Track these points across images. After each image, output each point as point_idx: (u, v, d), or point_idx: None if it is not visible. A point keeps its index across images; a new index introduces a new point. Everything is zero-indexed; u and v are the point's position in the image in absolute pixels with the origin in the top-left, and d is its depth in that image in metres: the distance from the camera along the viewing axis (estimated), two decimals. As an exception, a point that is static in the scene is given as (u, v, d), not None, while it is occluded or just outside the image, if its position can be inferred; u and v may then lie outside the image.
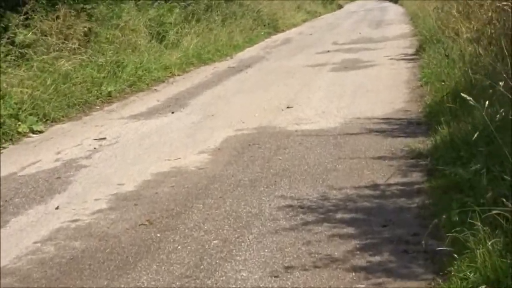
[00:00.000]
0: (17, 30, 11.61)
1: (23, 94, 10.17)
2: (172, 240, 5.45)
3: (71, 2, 13.01)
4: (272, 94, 11.84)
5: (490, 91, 5.16)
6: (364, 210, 5.90)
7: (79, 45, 12.55)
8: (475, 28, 9.26)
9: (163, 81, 13.91)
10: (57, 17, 12.49)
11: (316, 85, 12.55)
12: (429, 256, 4.77)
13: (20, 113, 9.74)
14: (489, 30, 8.51)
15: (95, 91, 11.80)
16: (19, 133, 9.37)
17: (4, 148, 8.78)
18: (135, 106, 11.36)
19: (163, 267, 4.94)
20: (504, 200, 4.23)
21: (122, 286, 4.71)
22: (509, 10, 7.78)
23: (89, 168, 7.72)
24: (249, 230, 5.57)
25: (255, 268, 4.83)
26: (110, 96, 12.05)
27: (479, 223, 4.26)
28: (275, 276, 4.68)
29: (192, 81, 13.80)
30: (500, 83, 4.17)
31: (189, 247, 5.27)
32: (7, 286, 4.79)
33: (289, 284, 4.58)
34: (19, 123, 9.53)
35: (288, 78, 13.51)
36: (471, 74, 7.67)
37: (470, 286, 4.08)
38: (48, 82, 10.82)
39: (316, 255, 4.99)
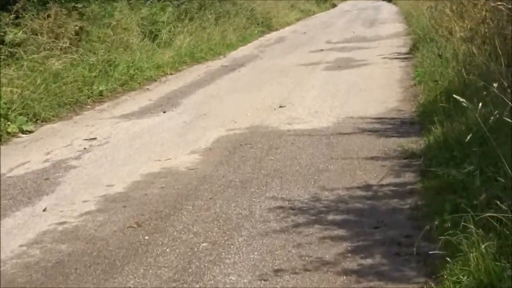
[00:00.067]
0: (7, 29, 11.51)
1: (13, 93, 10.07)
2: (160, 243, 5.35)
3: (62, 1, 12.90)
4: (265, 93, 11.75)
5: (484, 93, 5.07)
6: (356, 211, 5.81)
7: (70, 44, 12.46)
8: (468, 27, 9.19)
9: (155, 80, 13.82)
10: (48, 16, 12.39)
11: (309, 84, 12.46)
12: (421, 258, 4.67)
13: (9, 113, 9.64)
14: (482, 29, 8.45)
15: (86, 91, 11.70)
16: (8, 133, 9.26)
17: (-7, 148, 8.68)
18: (127, 106, 11.26)
19: (150, 271, 4.84)
20: (498, 202, 4.15)
21: (109, 290, 4.63)
22: (503, 9, 7.71)
23: (78, 169, 7.63)
24: (239, 232, 5.48)
25: (244, 272, 4.74)
26: (102, 96, 11.95)
27: (472, 226, 4.17)
28: (264, 280, 4.59)
29: (184, 80, 13.71)
30: (494, 84, 4.08)
31: (177, 250, 5.18)
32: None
33: (279, 288, 4.51)
34: (9, 123, 9.43)
35: (281, 77, 13.43)
36: (464, 73, 7.60)
37: (463, 290, 4.01)
38: (38, 82, 10.71)
39: (307, 258, 4.90)
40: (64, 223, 5.92)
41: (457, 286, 4.07)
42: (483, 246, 4.01)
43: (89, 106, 11.33)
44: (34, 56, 11.39)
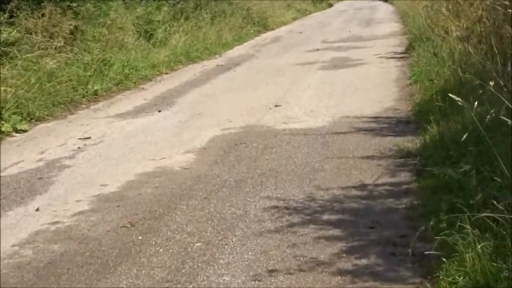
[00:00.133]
0: (1, 28, 11.44)
1: (7, 93, 10.01)
2: (154, 243, 5.30)
3: (57, 0, 12.83)
4: (261, 92, 11.71)
5: (480, 91, 5.04)
6: (351, 211, 5.76)
7: (65, 43, 12.40)
8: (464, 27, 9.14)
9: (151, 80, 13.77)
10: (43, 15, 12.33)
11: (305, 84, 12.42)
12: (417, 259, 4.62)
13: (3, 112, 9.58)
14: (479, 29, 8.39)
15: (81, 90, 11.65)
16: (2, 132, 9.21)
17: (-14, 148, 8.62)
18: (122, 105, 11.21)
19: (143, 271, 4.79)
20: (494, 202, 4.11)
21: (101, 290, 4.58)
22: (499, 8, 7.67)
23: (72, 168, 7.57)
24: (233, 232, 5.43)
25: (238, 272, 4.69)
26: (97, 95, 11.90)
27: (468, 226, 4.13)
28: (258, 280, 4.54)
29: (180, 80, 13.66)
30: (490, 82, 4.03)
31: (171, 250, 5.13)
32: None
33: (273, 288, 4.46)
34: (3, 122, 9.38)
35: (277, 77, 13.38)
36: (460, 72, 7.55)
37: (459, 290, 3.97)
38: (33, 81, 10.65)
39: (301, 258, 4.85)
40: (57, 223, 5.87)
41: (453, 286, 4.02)
42: (479, 247, 3.97)
43: (84, 106, 11.28)
44: (28, 55, 11.33)
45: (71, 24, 12.77)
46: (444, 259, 4.23)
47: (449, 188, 5.56)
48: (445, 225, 4.31)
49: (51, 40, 12.12)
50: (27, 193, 6.75)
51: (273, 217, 5.70)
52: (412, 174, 6.60)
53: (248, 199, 6.22)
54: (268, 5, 27.62)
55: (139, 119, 9.99)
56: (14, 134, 9.33)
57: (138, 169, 7.39)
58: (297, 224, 5.49)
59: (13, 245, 5.40)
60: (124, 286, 4.60)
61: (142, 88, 12.91)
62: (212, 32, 19.32)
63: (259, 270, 4.70)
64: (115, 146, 8.46)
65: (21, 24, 11.89)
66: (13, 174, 7.40)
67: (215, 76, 13.96)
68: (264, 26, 24.90)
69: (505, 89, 5.10)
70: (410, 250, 4.39)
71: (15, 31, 11.61)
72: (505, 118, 3.82)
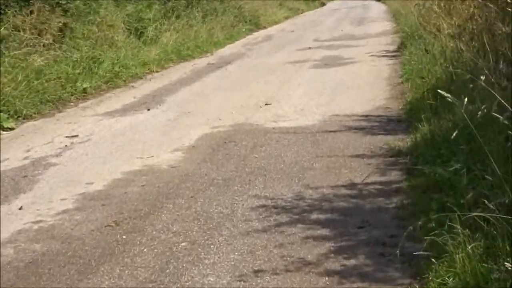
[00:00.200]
0: (-12, 25, 11.33)
1: (-7, 90, 9.89)
2: (138, 242, 5.19)
3: (46, -3, 12.72)
4: (252, 91, 11.60)
5: (471, 85, 4.94)
6: (340, 210, 5.66)
7: (53, 40, 12.28)
8: (456, 24, 9.06)
9: (141, 78, 13.65)
10: (31, 12, 12.20)
11: (296, 82, 12.32)
12: (406, 259, 4.52)
13: (-10, 110, 9.46)
14: (470, 26, 8.31)
15: (70, 88, 11.53)
16: (-12, 130, 9.10)
17: (-28, 145, 8.50)
18: (111, 103, 11.09)
19: (126, 271, 4.68)
20: (485, 201, 4.00)
21: (83, 291, 4.47)
22: (491, 5, 7.59)
23: (58, 167, 7.46)
24: (219, 231, 5.32)
25: (224, 272, 4.59)
26: (86, 93, 11.78)
27: (458, 226, 4.02)
28: (244, 281, 4.43)
29: (170, 78, 13.55)
30: (482, 77, 3.93)
31: (155, 250, 5.02)
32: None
33: (258, 289, 4.36)
34: (-11, 120, 9.26)
35: (268, 75, 13.27)
36: (452, 69, 7.47)
37: (448, 291, 3.86)
38: (20, 78, 10.53)
39: (288, 259, 4.74)
40: (40, 221, 5.76)
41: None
42: (469, 247, 3.87)
43: (72, 103, 11.15)
44: (16, 52, 11.20)
45: (60, 22, 12.65)
46: (433, 260, 4.13)
47: (440, 187, 5.48)
48: (434, 225, 4.19)
49: (39, 38, 11.98)
50: (11, 191, 6.64)
51: (261, 217, 5.59)
52: (403, 173, 6.51)
53: (236, 198, 6.12)
54: (260, 3, 27.51)
55: (127, 117, 9.88)
56: (0, 132, 9.20)
57: (125, 167, 7.28)
58: (285, 224, 5.39)
59: (-6, 245, 5.29)
60: (106, 286, 4.49)
61: (132, 86, 12.79)
62: (204, 30, 19.20)
63: (245, 271, 4.59)
64: (103, 144, 8.34)
65: (9, 21, 11.78)
66: (-3, 172, 7.29)
67: (206, 75, 13.85)
68: (256, 24, 24.78)
69: (496, 85, 5.02)
70: (398, 250, 4.28)
71: (2, 28, 11.48)
72: (496, 115, 3.72)
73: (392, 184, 6.25)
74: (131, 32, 15.59)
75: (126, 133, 8.88)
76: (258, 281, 4.44)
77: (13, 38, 11.55)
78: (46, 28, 12.29)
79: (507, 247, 3.74)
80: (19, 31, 11.80)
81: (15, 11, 12.03)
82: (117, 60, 13.54)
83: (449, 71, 7.68)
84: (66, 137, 8.79)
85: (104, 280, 4.57)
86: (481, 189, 4.53)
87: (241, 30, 22.44)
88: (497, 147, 4.95)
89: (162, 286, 4.44)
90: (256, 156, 7.48)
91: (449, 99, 3.78)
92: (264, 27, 25.32)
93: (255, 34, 22.97)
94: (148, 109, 10.40)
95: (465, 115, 4.06)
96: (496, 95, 3.68)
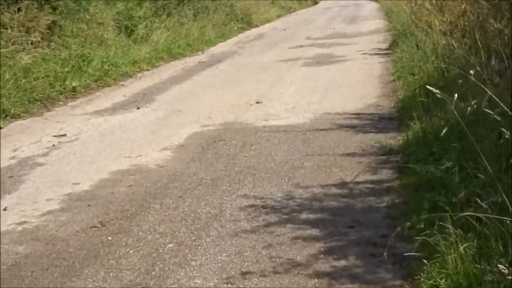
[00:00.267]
0: (-25, 23, 11.19)
1: (-20, 89, 9.76)
2: (124, 243, 5.08)
3: (34, -6, 12.57)
4: (243, 89, 11.49)
5: (460, 81, 4.85)
6: (331, 210, 5.55)
7: (41, 38, 12.13)
8: (448, 21, 8.97)
9: (131, 76, 13.51)
10: (19, 10, 12.04)
11: (288, 80, 12.22)
12: (397, 260, 4.42)
13: (-24, 109, 9.33)
14: (462, 23, 8.23)
15: (59, 86, 11.38)
16: (-25, 129, 8.96)
17: (-42, 145, 8.35)
18: (100, 102, 10.97)
19: (111, 274, 4.57)
20: (478, 200, 3.90)
21: (66, 294, 4.36)
22: (483, 2, 7.51)
23: (44, 166, 7.33)
24: (207, 232, 5.21)
25: (210, 274, 4.48)
26: (75, 92, 11.64)
27: (450, 226, 3.92)
28: (231, 283, 4.33)
29: (161, 76, 13.43)
30: (471, 71, 3.84)
31: (141, 252, 4.91)
32: None
33: (246, 291, 4.25)
34: (-24, 119, 9.13)
35: (260, 73, 13.17)
36: (443, 66, 7.38)
37: (440, 293, 3.76)
38: (7, 77, 10.39)
39: (277, 260, 4.64)
40: (24, 223, 5.64)
41: (434, 289, 3.83)
42: (461, 247, 3.76)
43: (61, 102, 11.02)
44: (3, 50, 11.05)
45: (48, 19, 12.49)
46: (425, 261, 4.03)
47: (432, 185, 5.40)
48: (422, 226, 4.08)
49: (27, 35, 11.84)
50: (-4, 192, 6.52)
51: (249, 217, 5.49)
52: (394, 171, 6.42)
53: (225, 197, 6.01)
54: (252, 2, 27.37)
55: (116, 116, 9.76)
56: (-13, 131, 9.08)
57: (113, 167, 7.17)
58: (274, 224, 5.28)
59: (-23, 247, 5.17)
60: (90, 289, 4.38)
61: (122, 84, 12.66)
62: (195, 28, 19.08)
63: (232, 272, 4.48)
64: (91, 144, 8.22)
65: (-4, 18, 11.64)
66: (-17, 172, 7.17)
67: (197, 73, 13.74)
68: (248, 23, 24.66)
69: (489, 82, 4.92)
70: (388, 251, 4.18)
71: (-11, 25, 11.36)
72: (488, 110, 3.62)
73: (384, 182, 6.15)
74: (121, 30, 15.45)
75: (115, 132, 8.76)
76: (246, 283, 4.33)
77: (0, 35, 11.40)
78: (35, 25, 12.15)
79: (500, 247, 3.64)
80: (6, 28, 11.65)
81: (3, 8, 11.87)
82: (107, 58, 13.40)
83: (441, 68, 7.59)
84: (54, 136, 8.66)
85: (88, 283, 4.46)
86: (473, 187, 4.43)
87: (233, 28, 22.32)
88: (489, 144, 4.87)
89: (147, 289, 4.33)
90: (246, 155, 7.38)
91: (438, 95, 3.68)
92: (256, 26, 25.20)
93: (247, 32, 22.85)
94: (138, 108, 10.29)
95: (455, 112, 3.95)
96: (487, 90, 3.58)
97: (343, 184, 6.19)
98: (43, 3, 12.61)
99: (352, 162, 6.84)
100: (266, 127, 8.61)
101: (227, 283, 4.34)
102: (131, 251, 4.92)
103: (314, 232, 5.09)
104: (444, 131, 3.85)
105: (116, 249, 4.98)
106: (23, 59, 11.06)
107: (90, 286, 4.42)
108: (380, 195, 5.83)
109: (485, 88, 3.69)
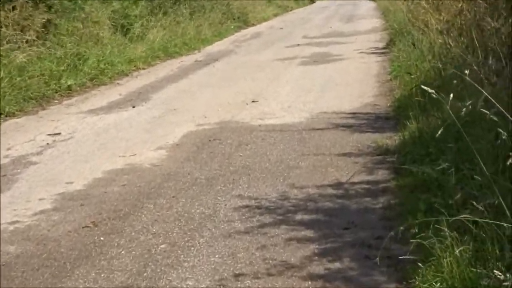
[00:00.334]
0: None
1: (-26, 87, 9.69)
2: (116, 244, 5.01)
3: (29, -7, 12.50)
4: (239, 88, 11.44)
5: (455, 81, 4.79)
6: (326, 210, 5.49)
7: (37, 37, 12.06)
8: (445, 19, 8.91)
9: (127, 75, 13.44)
10: (14, 8, 11.97)
11: (284, 79, 12.16)
12: (392, 262, 4.35)
13: (-29, 107, 9.26)
14: (459, 21, 8.17)
15: (54, 85, 11.31)
16: (-32, 128, 8.89)
17: (-49, 144, 8.29)
18: (96, 100, 10.90)
19: (102, 275, 4.51)
20: (474, 202, 3.84)
21: (56, 296, 4.30)
22: (480, 0, 7.46)
23: (38, 165, 7.27)
24: (200, 233, 5.15)
25: (203, 276, 4.42)
26: (70, 90, 11.57)
27: (446, 228, 3.86)
28: (223, 285, 4.27)
29: (157, 75, 13.36)
30: (466, 71, 3.77)
31: (133, 252, 4.84)
32: None
33: (239, 293, 4.19)
34: (-30, 117, 9.06)
35: (256, 72, 13.11)
36: (440, 65, 7.32)
37: (436, 297, 3.70)
38: (2, 75, 10.32)
39: (271, 261, 4.57)
40: (16, 222, 5.57)
41: (429, 292, 3.77)
42: (457, 251, 3.70)
43: (57, 101, 10.95)
44: (-3, 48, 10.99)
45: (43, 18, 12.42)
46: (420, 264, 3.97)
47: (428, 186, 5.34)
48: (416, 230, 4.01)
49: (22, 34, 11.76)
50: (-11, 191, 6.45)
51: (244, 217, 5.43)
52: (390, 171, 6.36)
53: (219, 198, 5.95)
54: (249, 1, 27.29)
55: (112, 115, 9.69)
56: (-18, 130, 9.01)
57: (107, 166, 7.11)
58: (268, 225, 5.22)
59: (-33, 247, 5.10)
60: (80, 291, 4.32)
61: (118, 83, 12.59)
62: (191, 27, 19.00)
63: (225, 274, 4.42)
64: (85, 142, 8.16)
65: (-10, 17, 11.56)
66: (-25, 171, 7.10)
67: (193, 72, 13.68)
68: (244, 22, 24.58)
69: (486, 81, 4.87)
70: (383, 254, 4.12)
71: (-16, 24, 11.29)
72: (484, 110, 3.56)
73: (379, 183, 6.09)
74: (117, 29, 15.38)
75: (109, 131, 8.70)
76: (239, 285, 4.27)
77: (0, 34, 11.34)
78: (30, 24, 12.08)
79: (497, 251, 3.58)
80: (1, 27, 11.58)
81: (-2, 7, 11.81)
82: (103, 57, 13.33)
83: (437, 67, 7.53)
84: (48, 135, 8.60)
85: (79, 284, 4.40)
86: (470, 189, 4.38)
87: (230, 27, 22.24)
88: (486, 145, 4.81)
89: (138, 291, 4.27)
90: (241, 154, 7.32)
91: (433, 95, 3.62)
92: (253, 24, 25.12)
93: (244, 31, 22.78)
94: (133, 107, 10.23)
95: (450, 112, 3.89)
96: (482, 91, 3.52)
97: (338, 185, 6.13)
98: (38, 1, 12.54)
99: (348, 162, 6.79)
100: (262, 126, 8.55)
101: (219, 285, 4.28)
102: (123, 252, 4.86)
103: (309, 233, 5.03)
104: (439, 132, 3.77)
105: (108, 249, 4.92)
106: (18, 58, 10.99)
107: (81, 287, 4.36)
108: (375, 196, 5.78)
109: (481, 89, 3.62)
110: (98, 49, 13.57)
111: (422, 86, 3.72)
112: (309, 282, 4.25)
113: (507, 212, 3.59)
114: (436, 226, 3.98)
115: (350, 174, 6.36)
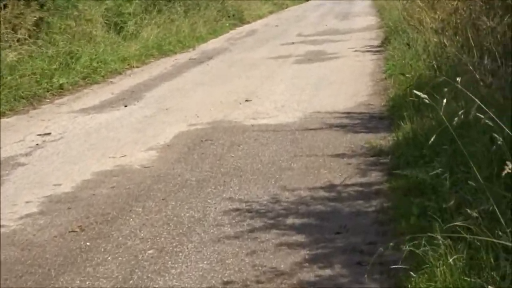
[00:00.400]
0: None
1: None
2: (102, 249, 4.90)
3: (21, -9, 12.36)
4: (233, 86, 11.33)
5: (445, 89, 4.69)
6: (317, 214, 5.38)
7: (28, 35, 11.92)
8: (440, 18, 8.81)
9: (120, 73, 13.32)
10: (5, 6, 11.84)
11: (279, 78, 12.05)
12: (385, 269, 4.23)
13: (-41, 107, 9.14)
14: (454, 20, 8.07)
15: (45, 84, 11.18)
16: (-43, 128, 8.77)
17: None
18: (87, 99, 10.78)
19: (87, 282, 4.39)
20: (468, 210, 3.72)
21: (40, 304, 4.18)
22: (476, -1, 7.37)
23: (26, 167, 7.15)
24: (189, 238, 5.04)
25: (190, 283, 4.30)
26: (62, 89, 11.44)
27: (439, 236, 3.74)
28: (211, 293, 4.16)
29: (150, 73, 13.24)
30: (458, 79, 3.66)
31: (120, 258, 4.73)
32: None
33: (227, 302, 4.08)
34: (-41, 117, 8.94)
35: (250, 70, 13.00)
36: (435, 65, 7.22)
37: (429, 306, 3.59)
38: (-8, 74, 10.21)
39: (260, 268, 4.46)
40: (1, 227, 5.44)
41: (422, 301, 3.66)
42: (451, 259, 3.59)
43: (48, 100, 10.83)
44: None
45: (35, 16, 12.28)
46: (412, 273, 3.85)
47: (421, 189, 5.21)
48: (407, 247, 3.88)
49: (13, 32, 11.63)
50: (-26, 194, 6.33)
51: (234, 221, 5.31)
52: (384, 173, 6.24)
53: (209, 200, 5.83)
54: (244, -2, 27.17)
55: (103, 114, 9.58)
56: (-29, 130, 8.89)
57: (96, 167, 6.99)
58: (258, 229, 5.11)
59: (-50, 253, 4.98)
60: (64, 299, 4.21)
61: (111, 82, 12.47)
62: (186, 25, 18.87)
63: (213, 282, 4.30)
64: (75, 143, 8.05)
65: (-19, 15, 11.43)
66: (-38, 173, 6.98)
67: (187, 70, 13.56)
68: (239, 19, 24.45)
69: (481, 82, 4.76)
70: (375, 260, 4.00)
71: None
72: (479, 115, 3.44)
73: (373, 185, 5.98)
74: (110, 27, 15.25)
75: (100, 131, 8.59)
76: (227, 293, 4.16)
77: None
78: (21, 22, 11.94)
79: (491, 260, 3.47)
80: (-8, 25, 11.47)
81: (-12, 5, 11.68)
82: (96, 55, 13.20)
83: (433, 67, 7.42)
84: (38, 135, 8.49)
85: (63, 292, 4.29)
86: (464, 193, 4.26)
87: (225, 25, 22.11)
88: (481, 148, 4.70)
89: (124, 299, 4.16)
90: (233, 155, 7.21)
91: (426, 101, 3.51)
92: (248, 22, 25.00)
93: (239, 29, 22.65)
94: (126, 106, 10.11)
95: (444, 118, 3.78)
96: (475, 99, 3.40)
97: (331, 187, 6.02)
98: (30, -1, 12.42)
99: (341, 164, 6.67)
100: (255, 126, 8.44)
101: (207, 293, 4.17)
102: (109, 258, 4.74)
103: (300, 238, 4.91)
104: (432, 139, 3.65)
105: (94, 255, 4.80)
106: (9, 57, 10.87)
107: (65, 295, 4.25)
108: (368, 198, 5.66)
109: (473, 97, 3.50)
110: (91, 48, 13.44)
111: (415, 92, 3.59)
112: (299, 290, 4.14)
113: (501, 220, 3.48)
114: (429, 233, 3.86)
115: (343, 176, 6.26)
